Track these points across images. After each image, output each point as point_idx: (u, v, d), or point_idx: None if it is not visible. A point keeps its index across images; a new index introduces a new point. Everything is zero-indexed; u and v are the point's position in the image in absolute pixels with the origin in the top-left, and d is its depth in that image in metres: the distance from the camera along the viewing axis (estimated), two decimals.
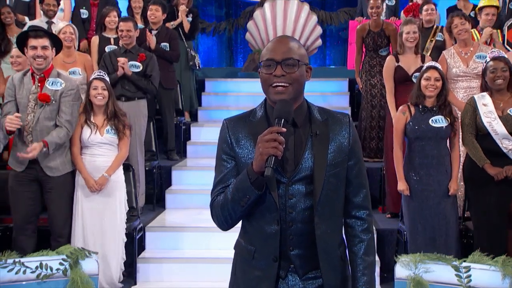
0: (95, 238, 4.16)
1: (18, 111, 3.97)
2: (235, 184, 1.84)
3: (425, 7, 5.86)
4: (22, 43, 4.02)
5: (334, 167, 1.87)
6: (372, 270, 1.95)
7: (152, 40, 5.96)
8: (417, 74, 4.93)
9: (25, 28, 5.48)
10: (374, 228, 4.60)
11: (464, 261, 3.37)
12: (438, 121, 4.00)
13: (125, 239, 4.33)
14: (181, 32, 6.82)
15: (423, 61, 5.00)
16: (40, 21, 6.16)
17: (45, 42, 3.94)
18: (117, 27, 5.77)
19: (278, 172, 1.83)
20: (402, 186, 4.07)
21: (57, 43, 4.11)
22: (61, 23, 5.29)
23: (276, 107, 1.82)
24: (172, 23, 6.70)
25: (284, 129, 1.76)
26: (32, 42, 3.92)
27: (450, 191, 4.01)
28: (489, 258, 3.34)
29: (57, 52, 4.17)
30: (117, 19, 5.90)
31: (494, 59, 3.99)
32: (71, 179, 4.18)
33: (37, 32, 4.03)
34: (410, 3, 6.69)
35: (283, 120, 1.78)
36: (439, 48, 5.51)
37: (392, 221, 4.85)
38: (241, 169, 1.87)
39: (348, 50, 7.76)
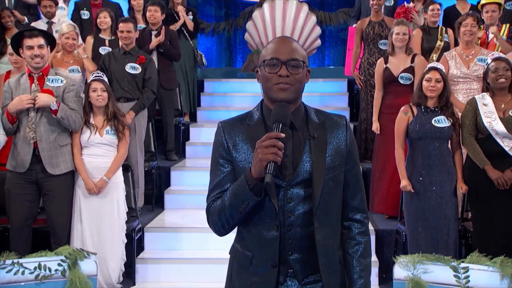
0: (94, 239, 4.16)
1: (17, 112, 3.95)
2: (233, 190, 1.81)
3: (430, 7, 5.80)
4: (17, 44, 4.00)
5: (332, 171, 1.85)
6: (368, 272, 1.94)
7: (161, 37, 5.94)
8: (403, 74, 4.98)
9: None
10: (373, 228, 4.67)
11: (463, 261, 3.36)
12: (441, 121, 4.01)
13: (125, 240, 4.33)
14: (185, 32, 6.84)
15: (412, 61, 5.01)
16: (41, 21, 6.16)
17: (41, 41, 3.93)
18: (113, 28, 5.78)
19: (276, 176, 1.79)
20: (404, 182, 4.05)
21: (51, 42, 4.09)
22: (63, 25, 5.26)
23: (274, 111, 1.78)
24: (175, 25, 6.69)
25: (283, 135, 1.73)
26: (28, 42, 3.91)
27: (462, 191, 4.09)
28: (488, 259, 3.34)
29: (51, 50, 4.16)
30: (108, 19, 5.88)
31: (495, 59, 4.03)
32: (70, 180, 4.16)
33: (32, 31, 4.00)
34: (402, 6, 6.58)
35: (281, 124, 1.75)
36: (445, 50, 5.47)
37: (391, 222, 4.85)
38: (238, 174, 1.85)
39: (346, 55, 7.71)
